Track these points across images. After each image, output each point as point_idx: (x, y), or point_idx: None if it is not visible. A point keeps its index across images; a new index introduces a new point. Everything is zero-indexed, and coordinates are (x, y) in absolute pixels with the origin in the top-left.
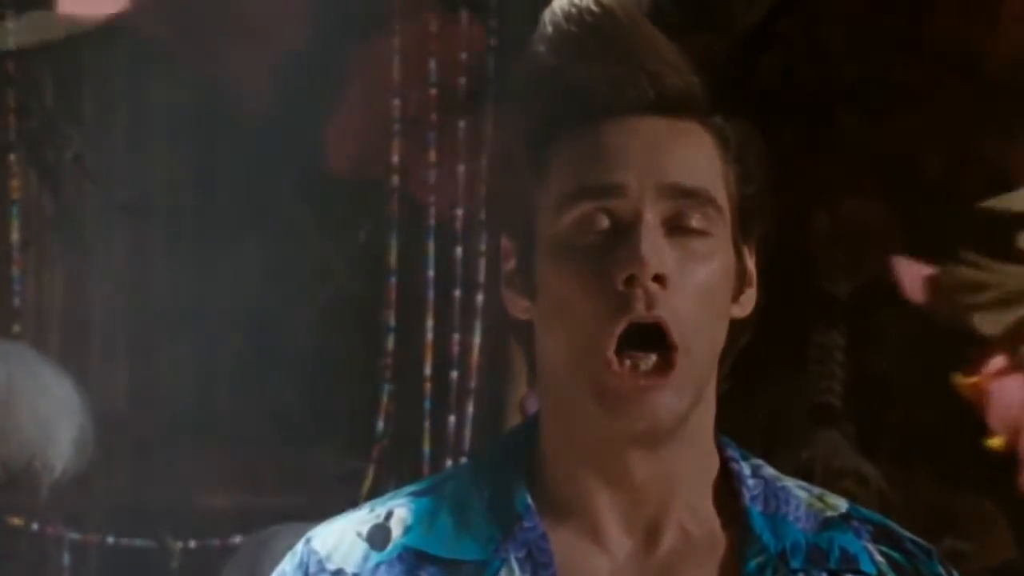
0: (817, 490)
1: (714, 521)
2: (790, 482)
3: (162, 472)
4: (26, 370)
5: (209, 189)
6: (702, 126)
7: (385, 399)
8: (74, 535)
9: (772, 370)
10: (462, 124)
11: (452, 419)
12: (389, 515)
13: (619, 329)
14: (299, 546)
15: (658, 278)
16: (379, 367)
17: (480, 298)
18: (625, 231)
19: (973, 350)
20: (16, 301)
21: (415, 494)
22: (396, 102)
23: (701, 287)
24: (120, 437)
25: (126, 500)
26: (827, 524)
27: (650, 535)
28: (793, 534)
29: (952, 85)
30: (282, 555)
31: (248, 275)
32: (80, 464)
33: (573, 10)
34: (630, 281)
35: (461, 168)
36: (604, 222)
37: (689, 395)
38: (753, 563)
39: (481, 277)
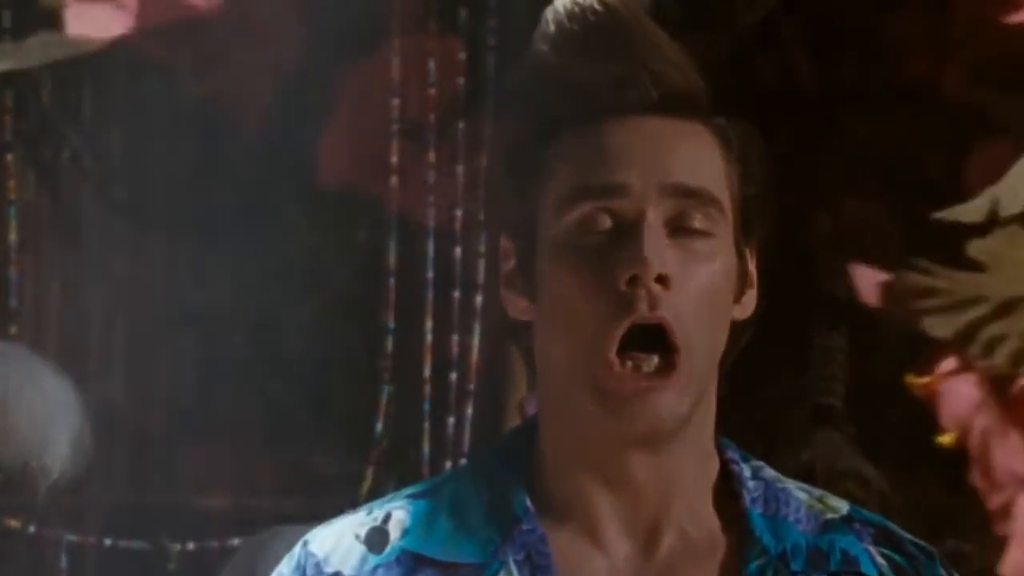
0: (818, 492)
1: (714, 523)
2: (791, 484)
3: (160, 474)
4: (23, 371)
5: (208, 190)
6: (704, 126)
7: (384, 401)
8: (71, 537)
9: (773, 371)
10: (461, 125)
11: (451, 420)
12: (387, 518)
13: (621, 330)
14: (296, 549)
15: (661, 279)
16: (378, 369)
17: (479, 299)
18: (628, 231)
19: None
20: (13, 302)
21: (413, 496)
22: (395, 102)
23: (703, 288)
24: (118, 439)
25: (124, 502)
26: (828, 526)
27: (650, 537)
28: (794, 536)
29: (908, 103)
30: (281, 557)
31: (247, 277)
32: (77, 466)
33: (576, 8)
34: (633, 282)
35: (460, 169)
36: (606, 222)
37: (691, 397)
38: (753, 565)
39: (480, 278)
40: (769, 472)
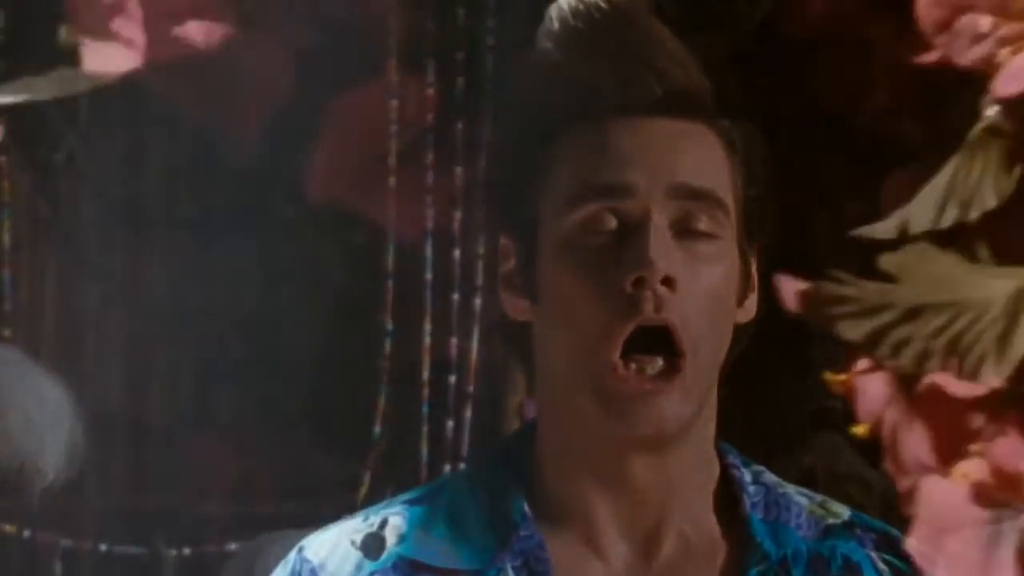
0: (819, 497)
1: (714, 528)
2: (791, 489)
3: (156, 478)
4: (17, 375)
5: (205, 192)
6: (709, 127)
7: (382, 403)
8: (66, 542)
9: (773, 374)
10: (460, 125)
11: (450, 424)
12: (383, 523)
13: (626, 332)
14: (291, 555)
15: (667, 281)
16: (376, 371)
17: (478, 302)
18: (633, 232)
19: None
20: (7, 305)
21: (410, 502)
22: (393, 103)
23: (709, 291)
24: (114, 443)
25: (120, 507)
26: (829, 532)
27: (649, 543)
28: (794, 542)
29: (832, 133)
30: (278, 562)
31: (244, 279)
32: (72, 470)
33: (581, 6)
34: (638, 283)
35: (458, 171)
36: (611, 223)
37: (694, 400)
38: (754, 571)
39: (479, 280)
40: (770, 477)
